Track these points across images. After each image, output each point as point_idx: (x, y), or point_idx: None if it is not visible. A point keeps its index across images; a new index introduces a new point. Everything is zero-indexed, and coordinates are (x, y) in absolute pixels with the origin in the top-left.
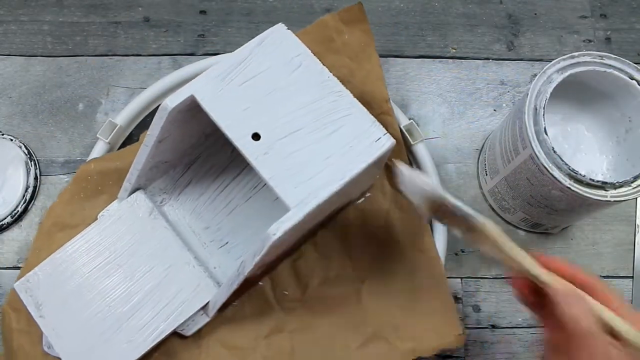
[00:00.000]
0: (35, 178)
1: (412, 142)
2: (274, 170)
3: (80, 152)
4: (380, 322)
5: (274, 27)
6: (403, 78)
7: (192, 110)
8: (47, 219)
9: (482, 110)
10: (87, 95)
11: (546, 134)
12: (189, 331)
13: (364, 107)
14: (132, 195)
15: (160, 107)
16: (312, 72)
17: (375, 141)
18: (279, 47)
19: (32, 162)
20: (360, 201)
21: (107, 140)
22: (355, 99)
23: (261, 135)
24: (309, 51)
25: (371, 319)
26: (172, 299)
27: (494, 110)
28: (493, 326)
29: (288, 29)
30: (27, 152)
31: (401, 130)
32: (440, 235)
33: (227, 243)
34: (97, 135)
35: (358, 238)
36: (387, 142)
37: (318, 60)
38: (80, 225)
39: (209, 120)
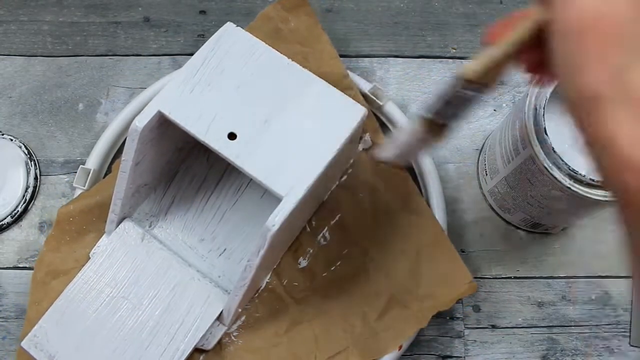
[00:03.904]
0: (35, 178)
1: (381, 103)
2: (258, 165)
3: (80, 152)
4: (393, 289)
5: (224, 27)
6: (403, 78)
7: (162, 126)
8: (38, 270)
9: (482, 110)
10: (87, 95)
11: (546, 134)
12: (210, 345)
13: (327, 84)
14: (120, 226)
15: (130, 130)
16: (271, 61)
17: (349, 112)
18: (233, 46)
19: (32, 162)
20: (343, 179)
21: (84, 188)
22: (319, 78)
23: (237, 134)
24: (263, 43)
25: (383, 289)
26: (185, 317)
27: (494, 110)
28: (493, 326)
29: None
30: (27, 152)
31: (367, 96)
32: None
33: (225, 250)
34: (74, 185)
35: (350, 214)
36: (359, 112)
37: (273, 49)
38: (74, 268)
39: (179, 133)
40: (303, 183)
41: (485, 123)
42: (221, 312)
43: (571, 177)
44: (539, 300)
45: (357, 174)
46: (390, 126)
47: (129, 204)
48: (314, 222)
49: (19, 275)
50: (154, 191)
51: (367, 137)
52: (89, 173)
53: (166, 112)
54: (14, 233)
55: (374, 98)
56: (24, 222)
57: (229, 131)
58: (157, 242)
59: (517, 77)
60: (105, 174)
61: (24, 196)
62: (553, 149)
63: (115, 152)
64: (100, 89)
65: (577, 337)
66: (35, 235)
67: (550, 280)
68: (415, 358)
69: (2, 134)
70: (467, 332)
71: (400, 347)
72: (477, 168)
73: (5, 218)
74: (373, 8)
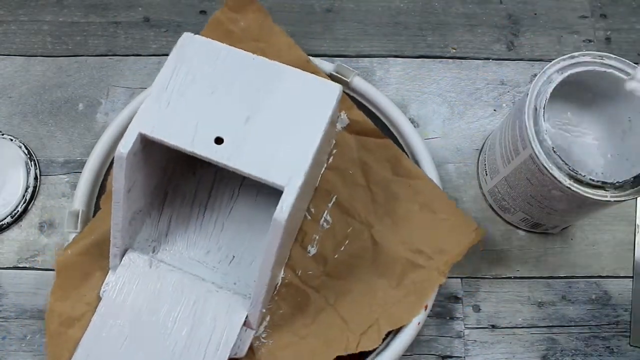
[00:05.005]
0: (35, 178)
1: (348, 80)
2: (252, 162)
3: (80, 152)
4: (404, 253)
5: (182, 37)
6: (403, 78)
7: (146, 147)
8: (50, 322)
9: (482, 110)
10: (87, 95)
11: (546, 133)
12: (242, 352)
13: (297, 70)
14: (124, 258)
15: (115, 158)
16: (237, 60)
17: (324, 92)
18: (196, 53)
19: (32, 162)
20: (330, 161)
21: (77, 231)
22: (286, 65)
23: (223, 137)
24: (225, 44)
25: (395, 255)
26: (213, 330)
27: (494, 110)
28: (493, 326)
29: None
30: (27, 152)
31: (333, 76)
32: None
33: (234, 257)
34: (66, 230)
35: (346, 193)
36: (335, 89)
37: (236, 48)
38: (88, 311)
39: (162, 152)
40: (300, 169)
41: (485, 123)
42: (246, 318)
43: (571, 177)
44: (539, 300)
45: (342, 153)
46: (361, 100)
47: (128, 234)
48: (312, 209)
49: (19, 275)
50: (148, 216)
51: (343, 115)
52: (78, 214)
53: (148, 132)
54: (14, 233)
55: (340, 76)
56: (24, 222)
57: (214, 136)
58: (166, 264)
59: (517, 77)
60: (94, 213)
61: (24, 196)
62: (553, 149)
63: (99, 189)
64: (100, 89)
65: (577, 337)
66: (35, 235)
67: (550, 280)
68: (416, 358)
69: (2, 134)
70: (467, 332)
71: (426, 306)
72: (477, 168)
73: (5, 218)
74: (373, 8)
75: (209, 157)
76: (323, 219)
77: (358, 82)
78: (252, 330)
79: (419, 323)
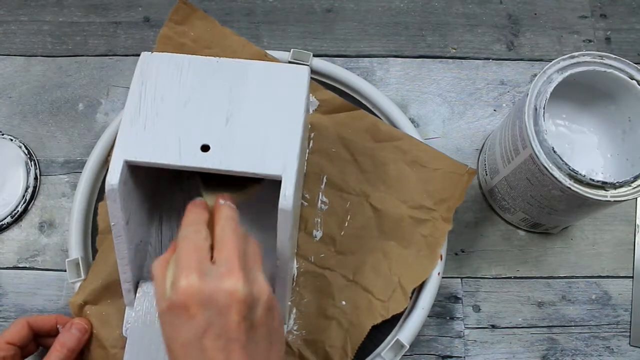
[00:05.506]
0: (35, 178)
1: (307, 64)
2: (242, 161)
3: (80, 152)
4: (407, 212)
5: (140, 58)
6: (403, 78)
7: (132, 175)
8: None
9: (482, 110)
10: (87, 95)
11: (546, 133)
12: None
13: (263, 62)
14: (138, 291)
15: (107, 192)
16: (201, 67)
17: (294, 76)
18: (158, 70)
19: (32, 162)
20: (311, 145)
21: (82, 278)
22: (251, 60)
23: (208, 144)
24: (184, 55)
25: (399, 217)
26: None
27: (494, 110)
28: (493, 326)
29: (151, 52)
30: (27, 152)
31: (293, 63)
32: None
33: None
34: (70, 282)
35: (334, 171)
36: (303, 70)
37: (197, 55)
38: (116, 353)
39: (147, 178)
40: (292, 155)
41: (485, 123)
42: None
43: (571, 177)
44: (539, 300)
45: (320, 134)
46: (325, 80)
47: (136, 267)
48: (307, 195)
49: (19, 275)
50: (150, 245)
51: (312, 98)
52: (78, 263)
53: (133, 158)
54: (14, 233)
55: (300, 62)
56: (24, 222)
57: (200, 145)
58: None
59: (517, 77)
60: (93, 256)
61: (24, 196)
62: (553, 149)
63: (92, 227)
64: (100, 89)
65: (577, 337)
66: (35, 235)
67: (550, 280)
68: (416, 358)
69: (2, 134)
70: (467, 332)
71: (441, 256)
72: (477, 168)
73: (5, 218)
74: (373, 8)
75: (199, 166)
76: (320, 201)
77: (317, 63)
78: (285, 324)
79: (438, 273)
